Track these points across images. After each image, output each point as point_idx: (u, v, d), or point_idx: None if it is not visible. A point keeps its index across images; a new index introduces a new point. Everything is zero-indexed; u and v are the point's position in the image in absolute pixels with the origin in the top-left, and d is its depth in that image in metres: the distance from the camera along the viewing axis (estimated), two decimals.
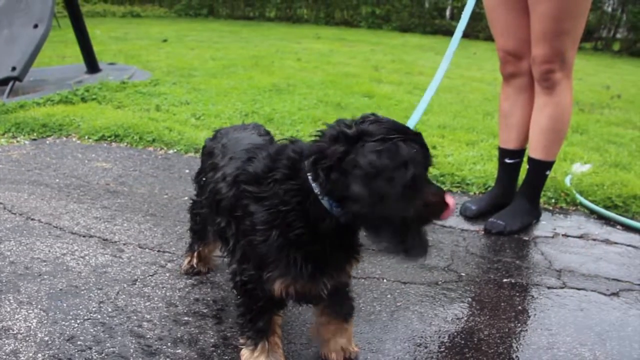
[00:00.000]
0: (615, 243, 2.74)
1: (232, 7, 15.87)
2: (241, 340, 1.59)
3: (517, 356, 1.80)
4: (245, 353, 1.58)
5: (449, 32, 13.86)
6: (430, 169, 3.36)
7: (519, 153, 2.89)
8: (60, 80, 5.61)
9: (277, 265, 1.39)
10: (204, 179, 1.85)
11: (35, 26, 5.35)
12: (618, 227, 2.92)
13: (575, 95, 6.46)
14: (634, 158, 4.06)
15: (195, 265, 2.17)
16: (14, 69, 5.01)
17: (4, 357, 1.64)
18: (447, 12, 15.05)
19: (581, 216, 3.04)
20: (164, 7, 16.66)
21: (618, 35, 13.52)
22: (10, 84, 4.97)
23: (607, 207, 3.09)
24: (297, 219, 1.35)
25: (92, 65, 5.99)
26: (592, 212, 3.08)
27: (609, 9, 13.47)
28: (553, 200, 3.18)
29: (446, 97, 5.89)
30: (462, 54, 10.17)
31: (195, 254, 2.15)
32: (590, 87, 7.40)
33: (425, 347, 1.81)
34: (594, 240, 2.76)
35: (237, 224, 1.50)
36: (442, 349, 1.81)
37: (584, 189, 3.28)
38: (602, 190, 3.24)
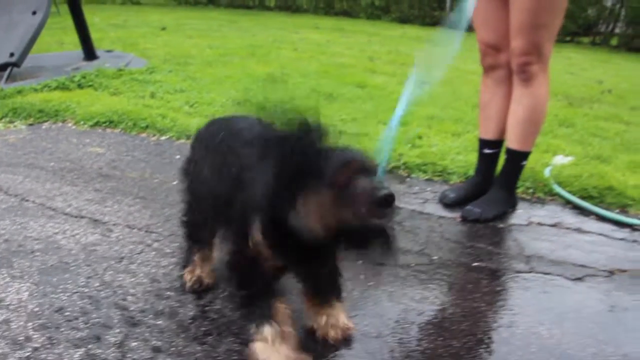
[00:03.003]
0: (587, 232, 2.84)
1: None
2: (252, 332, 1.63)
3: (477, 332, 1.92)
4: (257, 345, 1.61)
5: None
6: (413, 158, 3.44)
7: (497, 144, 2.99)
8: (57, 66, 5.70)
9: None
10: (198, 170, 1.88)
11: (34, 13, 5.45)
12: (592, 216, 3.03)
13: (566, 90, 6.58)
14: (616, 151, 4.16)
15: (201, 276, 2.02)
16: (12, 54, 5.10)
17: None
18: (447, 4, 15.09)
19: (557, 206, 3.15)
20: None
21: (617, 30, 13.57)
22: (8, 69, 5.08)
23: (582, 198, 3.20)
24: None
25: (90, 53, 6.08)
26: (567, 202, 3.18)
27: (608, 4, 13.51)
28: (531, 190, 3.28)
29: (438, 89, 5.98)
30: (460, 46, 10.25)
31: (197, 262, 2.02)
32: (584, 81, 7.49)
33: (390, 323, 1.93)
34: (567, 228, 2.87)
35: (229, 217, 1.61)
36: (406, 325, 1.93)
37: (562, 180, 3.38)
38: (579, 182, 3.35)
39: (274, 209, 1.39)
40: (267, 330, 1.59)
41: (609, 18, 13.33)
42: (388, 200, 1.31)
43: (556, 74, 7.72)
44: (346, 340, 1.81)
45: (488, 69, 2.91)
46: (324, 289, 1.77)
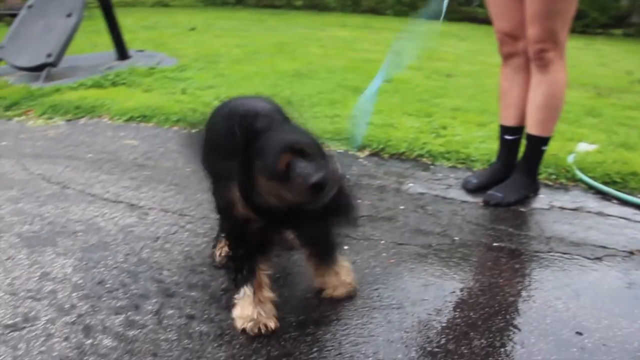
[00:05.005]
0: (609, 215, 2.89)
1: None
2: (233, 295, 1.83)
3: (494, 305, 2.01)
4: (235, 305, 1.81)
5: (475, 19, 13.88)
6: (437, 147, 3.53)
7: (518, 130, 3.05)
8: (92, 66, 5.92)
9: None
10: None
11: (69, 15, 5.68)
12: (614, 201, 3.07)
13: (595, 80, 6.56)
14: None
15: (228, 252, 2.12)
16: (49, 55, 5.34)
17: (45, 295, 1.94)
18: None
19: (580, 191, 3.19)
20: None
21: None
22: (46, 69, 5.31)
23: (605, 183, 3.23)
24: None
25: (122, 53, 6.29)
26: (590, 187, 3.22)
27: None
28: (553, 176, 3.33)
29: (464, 81, 6.04)
30: (486, 40, 10.25)
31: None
32: (613, 72, 7.44)
33: (410, 296, 2.03)
34: (588, 212, 2.91)
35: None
36: (425, 297, 2.02)
37: (585, 166, 3.42)
38: (602, 168, 3.38)
39: (243, 180, 1.57)
40: (245, 293, 1.77)
41: None
42: (319, 186, 1.44)
43: (586, 65, 7.71)
44: (349, 298, 1.95)
45: (506, 57, 2.98)
46: (323, 252, 1.91)
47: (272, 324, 1.78)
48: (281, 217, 1.63)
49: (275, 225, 1.72)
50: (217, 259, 2.15)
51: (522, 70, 2.92)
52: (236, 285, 1.80)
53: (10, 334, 1.76)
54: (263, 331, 1.77)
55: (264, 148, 1.51)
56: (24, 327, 1.79)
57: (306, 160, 1.48)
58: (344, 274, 1.95)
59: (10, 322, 1.81)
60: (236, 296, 1.80)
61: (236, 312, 1.80)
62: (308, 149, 1.51)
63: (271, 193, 1.52)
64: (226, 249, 2.14)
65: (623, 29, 13.35)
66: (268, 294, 1.82)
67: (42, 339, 1.74)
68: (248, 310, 1.77)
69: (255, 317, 1.76)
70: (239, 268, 1.78)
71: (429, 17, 2.88)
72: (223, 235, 2.08)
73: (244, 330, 1.77)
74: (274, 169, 1.48)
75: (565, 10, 2.63)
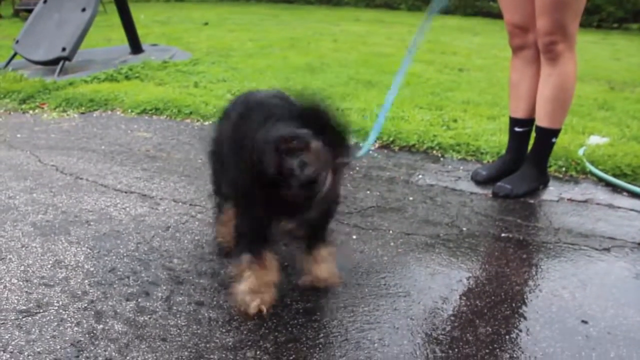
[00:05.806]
0: (619, 207, 2.88)
1: None
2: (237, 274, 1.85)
3: (500, 294, 2.02)
4: (237, 283, 1.82)
5: (490, 14, 13.80)
6: (447, 139, 3.55)
7: (527, 122, 3.05)
8: (106, 60, 5.98)
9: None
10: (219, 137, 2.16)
11: (83, 10, 5.74)
12: (624, 193, 3.06)
13: (609, 75, 6.52)
14: None
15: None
16: (64, 49, 5.40)
17: (58, 281, 1.98)
18: None
19: (589, 184, 3.18)
20: None
21: None
22: (61, 63, 5.37)
23: (616, 176, 3.23)
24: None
25: (136, 47, 6.35)
26: (600, 179, 3.22)
27: None
28: (563, 169, 3.32)
29: (476, 75, 6.03)
30: (499, 34, 10.21)
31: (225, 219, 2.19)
32: (627, 66, 7.38)
33: (417, 284, 2.05)
34: (598, 204, 2.91)
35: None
36: (432, 285, 2.04)
37: (596, 159, 3.41)
38: (612, 160, 3.37)
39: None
40: (248, 274, 1.78)
41: None
42: (307, 183, 1.47)
43: (600, 60, 7.65)
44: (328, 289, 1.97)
45: (516, 49, 2.98)
46: (314, 240, 1.91)
47: (268, 299, 1.81)
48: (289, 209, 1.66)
49: (286, 215, 1.74)
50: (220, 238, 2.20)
51: (533, 62, 2.92)
52: (241, 265, 1.81)
53: (24, 319, 1.80)
54: (263, 311, 1.79)
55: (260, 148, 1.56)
56: (37, 313, 1.83)
57: (296, 155, 1.49)
58: (325, 265, 1.93)
59: (24, 307, 1.86)
60: (240, 275, 1.82)
61: (240, 289, 1.81)
62: (299, 143, 1.50)
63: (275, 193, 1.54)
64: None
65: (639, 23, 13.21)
66: (270, 277, 1.83)
67: (55, 324, 1.78)
68: (249, 289, 1.79)
69: (256, 297, 1.79)
70: (247, 250, 1.80)
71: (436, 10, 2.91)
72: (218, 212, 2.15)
73: (241, 309, 1.80)
74: (267, 169, 1.51)
75: (575, 3, 2.63)
